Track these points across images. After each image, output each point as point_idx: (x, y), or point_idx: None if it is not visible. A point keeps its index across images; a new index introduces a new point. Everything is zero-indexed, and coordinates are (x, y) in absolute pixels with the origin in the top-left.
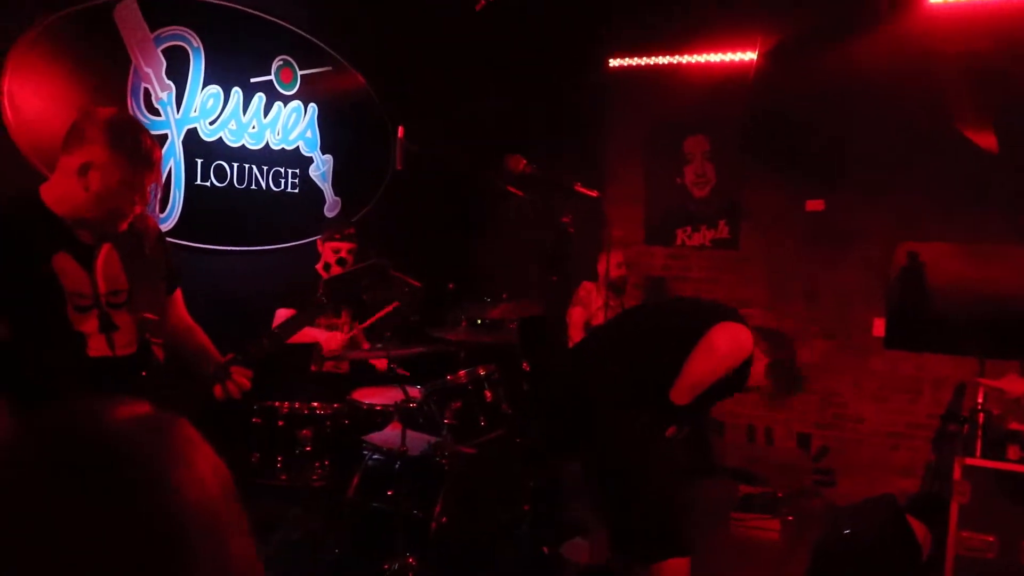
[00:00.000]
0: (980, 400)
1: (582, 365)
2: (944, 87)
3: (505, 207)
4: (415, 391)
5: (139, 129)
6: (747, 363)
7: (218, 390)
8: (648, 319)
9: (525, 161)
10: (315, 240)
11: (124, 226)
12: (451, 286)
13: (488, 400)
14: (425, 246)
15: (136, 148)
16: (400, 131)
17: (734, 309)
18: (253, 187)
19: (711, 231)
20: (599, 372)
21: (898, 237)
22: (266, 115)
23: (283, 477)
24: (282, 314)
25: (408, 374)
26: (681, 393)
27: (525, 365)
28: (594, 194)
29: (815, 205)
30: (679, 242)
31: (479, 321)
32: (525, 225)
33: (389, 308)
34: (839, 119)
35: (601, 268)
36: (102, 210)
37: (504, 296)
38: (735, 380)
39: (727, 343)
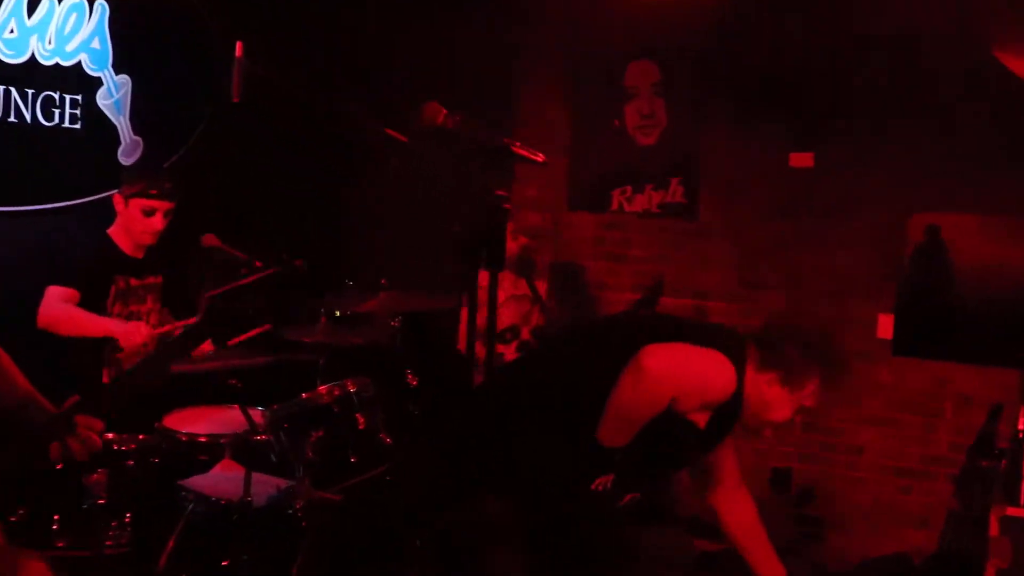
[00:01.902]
0: (1023, 427)
1: (501, 381)
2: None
3: (392, 162)
4: (258, 415)
5: None
6: (736, 395)
7: (55, 449)
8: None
9: (445, 112)
10: (109, 195)
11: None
12: (299, 263)
13: (361, 427)
14: (268, 210)
15: None
16: (239, 48)
17: (725, 329)
18: (12, 119)
19: (659, 192)
20: (522, 392)
21: (912, 205)
22: (31, 14)
23: (60, 544)
24: (56, 294)
25: (241, 385)
26: (607, 428)
27: (411, 378)
28: (539, 158)
29: (801, 160)
30: (615, 206)
31: (341, 314)
32: (417, 187)
33: (257, 330)
34: (837, 42)
35: (509, 247)
36: None
37: (383, 283)
38: (718, 421)
39: (661, 364)
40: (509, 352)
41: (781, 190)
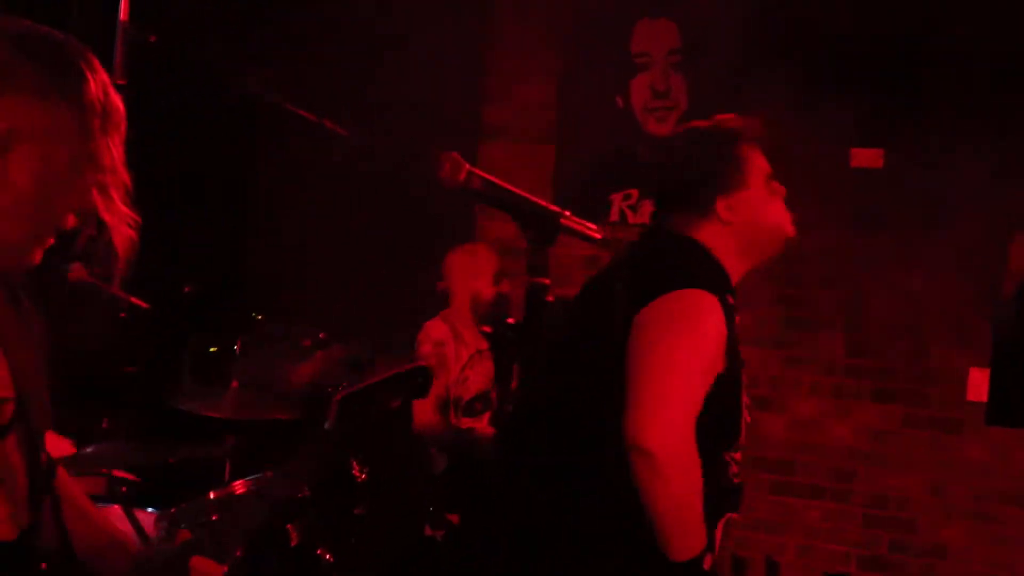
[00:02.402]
0: None
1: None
2: None
3: (336, 157)
4: (148, 519)
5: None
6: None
7: None
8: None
9: (469, 167)
10: None
11: (38, 257)
12: (186, 290)
13: (293, 543)
14: (153, 224)
15: (80, 87)
16: (124, 6)
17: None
18: None
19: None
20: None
21: (1016, 220)
22: None
23: None
24: None
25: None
26: (672, 542)
27: (357, 469)
28: (596, 235)
29: (867, 158)
30: (616, 216)
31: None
32: (365, 196)
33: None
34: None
35: (463, 283)
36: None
37: (321, 337)
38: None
39: (665, 433)
40: (481, 425)
41: (839, 196)
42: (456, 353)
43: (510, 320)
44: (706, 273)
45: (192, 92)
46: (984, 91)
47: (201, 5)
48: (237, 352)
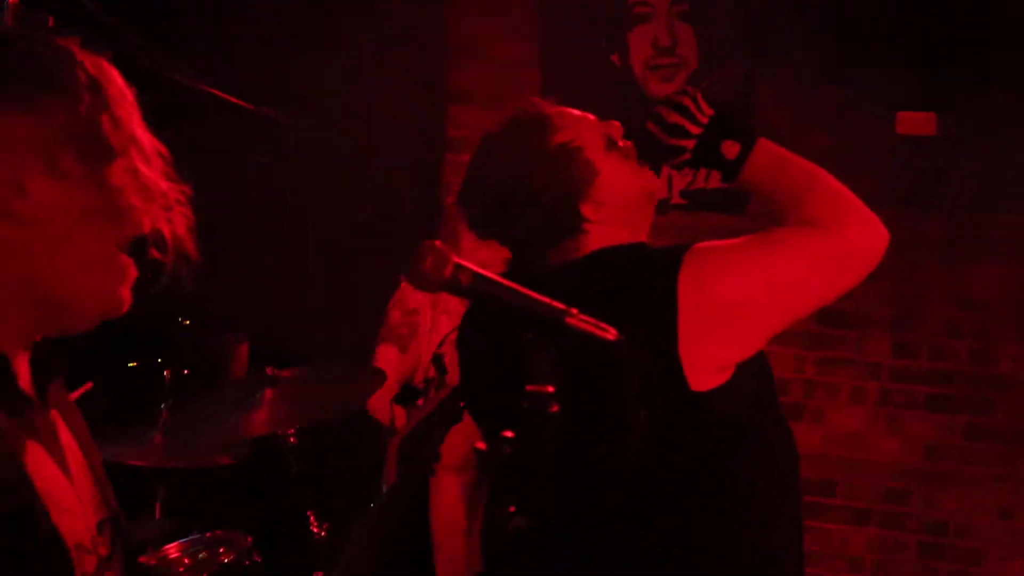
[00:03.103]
0: None
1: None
2: None
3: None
4: None
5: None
6: None
7: None
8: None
9: (455, 260)
10: None
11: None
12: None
13: None
14: None
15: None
16: None
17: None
18: None
19: (685, 173)
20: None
21: None
22: None
23: None
24: None
25: None
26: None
27: (314, 524)
28: (610, 335)
29: (916, 123)
30: None
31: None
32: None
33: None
34: None
35: (470, 243)
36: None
37: (268, 373)
38: None
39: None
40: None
41: (882, 169)
42: (434, 323)
43: (507, 433)
44: (655, 251)
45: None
46: None
47: None
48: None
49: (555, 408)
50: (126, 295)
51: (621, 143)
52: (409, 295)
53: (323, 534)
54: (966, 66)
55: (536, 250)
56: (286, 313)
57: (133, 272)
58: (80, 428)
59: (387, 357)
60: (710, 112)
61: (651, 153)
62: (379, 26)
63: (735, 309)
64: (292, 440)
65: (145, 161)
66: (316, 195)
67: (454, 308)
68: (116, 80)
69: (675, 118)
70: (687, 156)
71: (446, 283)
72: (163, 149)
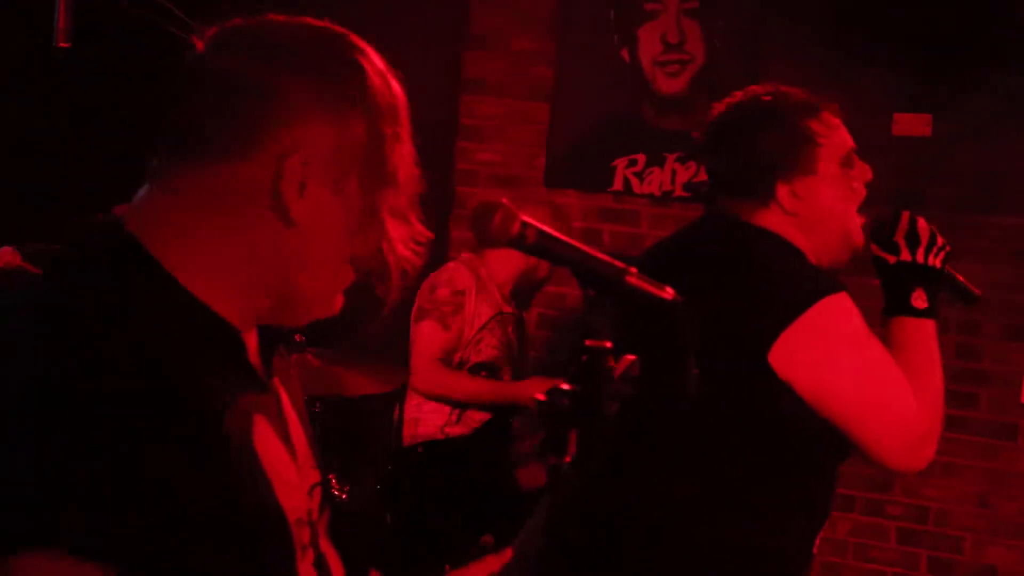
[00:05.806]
0: None
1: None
2: None
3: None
4: None
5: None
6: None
7: None
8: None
9: (523, 217)
10: None
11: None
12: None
13: None
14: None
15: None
16: None
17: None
18: None
19: (688, 165)
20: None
21: None
22: None
23: None
24: None
25: None
26: (888, 447)
27: (333, 486)
28: (667, 294)
29: (911, 125)
30: (619, 184)
31: None
32: None
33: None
34: None
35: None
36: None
37: (297, 339)
38: None
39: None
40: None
41: (879, 169)
42: (476, 308)
43: (564, 386)
44: (814, 271)
45: (143, 52)
46: None
47: None
48: None
49: (611, 363)
50: (340, 301)
51: (858, 170)
52: (459, 276)
53: (344, 496)
54: (962, 69)
55: (723, 190)
56: None
57: (351, 279)
58: (296, 393)
59: (430, 333)
60: (935, 263)
61: (878, 234)
62: (401, 15)
63: (811, 387)
64: (316, 408)
65: (407, 195)
66: None
67: (497, 298)
68: (404, 103)
69: (903, 236)
70: (885, 262)
71: (513, 240)
72: (420, 176)
